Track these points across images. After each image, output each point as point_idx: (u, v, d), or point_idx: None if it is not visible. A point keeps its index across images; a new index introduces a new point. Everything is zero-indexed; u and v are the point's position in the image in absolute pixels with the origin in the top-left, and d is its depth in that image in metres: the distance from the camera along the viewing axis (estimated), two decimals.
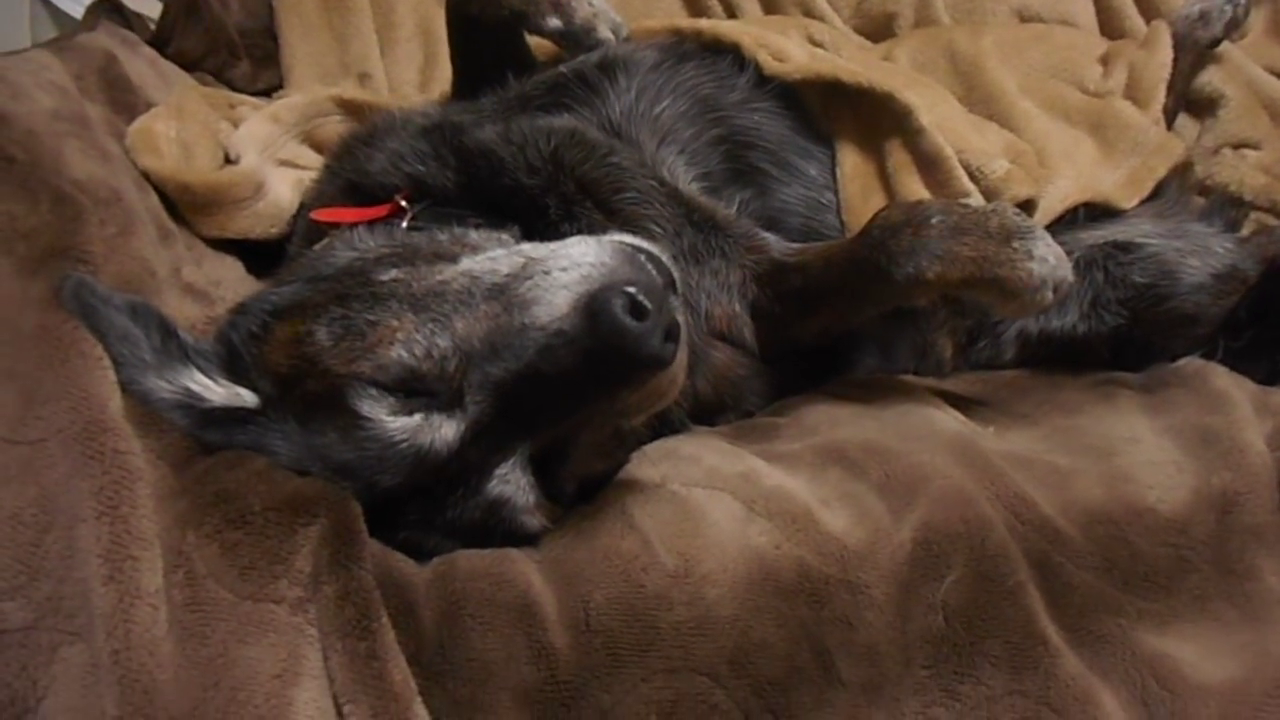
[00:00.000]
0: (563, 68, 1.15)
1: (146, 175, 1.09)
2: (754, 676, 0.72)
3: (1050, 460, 0.93)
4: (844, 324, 1.07)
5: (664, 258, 0.76)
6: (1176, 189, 1.35)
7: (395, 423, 0.75)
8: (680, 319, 0.72)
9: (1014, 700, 0.74)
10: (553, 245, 0.78)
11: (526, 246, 0.81)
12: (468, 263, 0.82)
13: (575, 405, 0.75)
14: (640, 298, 0.69)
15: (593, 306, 0.70)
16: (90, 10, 1.48)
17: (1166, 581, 0.82)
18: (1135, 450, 0.96)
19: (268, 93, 1.54)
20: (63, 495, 0.68)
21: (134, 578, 0.66)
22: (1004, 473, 0.87)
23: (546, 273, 0.74)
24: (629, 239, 0.77)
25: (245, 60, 1.59)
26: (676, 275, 0.76)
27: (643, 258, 0.74)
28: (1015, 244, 0.91)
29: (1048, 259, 0.92)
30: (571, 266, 0.74)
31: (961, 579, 0.78)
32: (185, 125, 1.19)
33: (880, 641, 0.75)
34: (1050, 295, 0.93)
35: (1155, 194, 1.31)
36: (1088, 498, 0.88)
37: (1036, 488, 0.87)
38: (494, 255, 0.81)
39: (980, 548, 0.79)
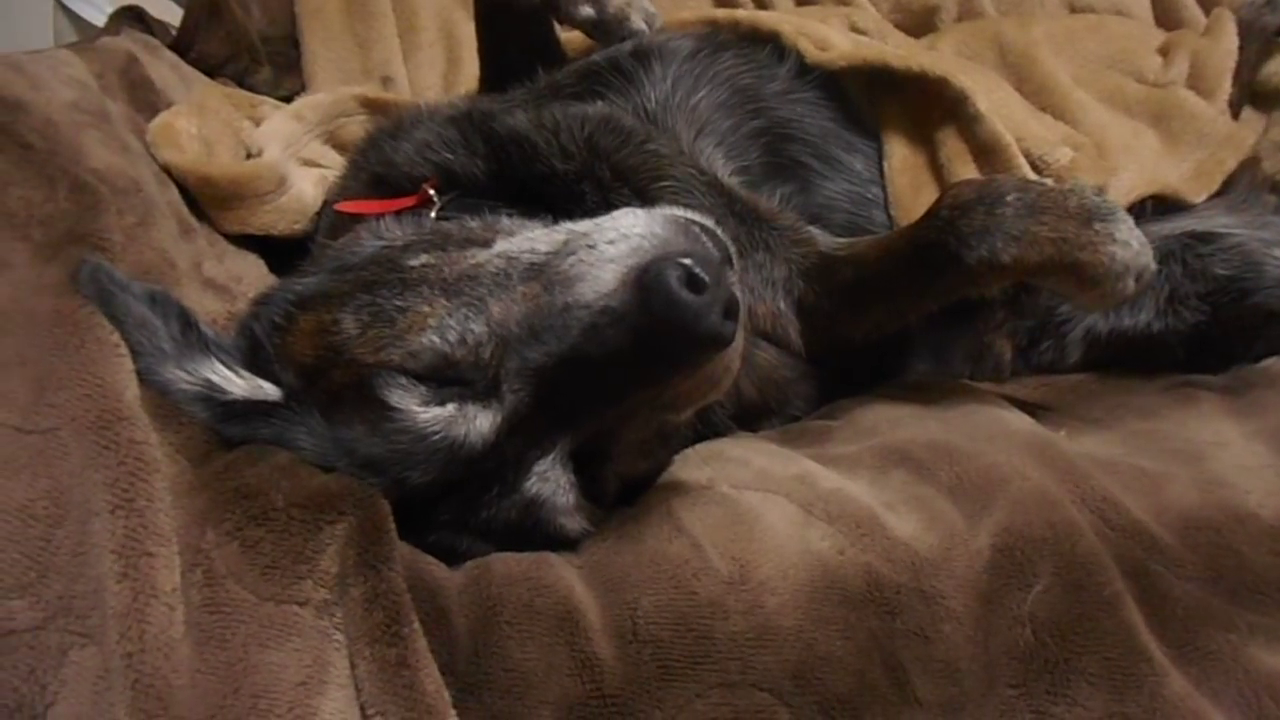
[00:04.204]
0: (595, 56, 1.14)
1: (167, 170, 1.09)
2: (821, 693, 0.68)
3: (1135, 463, 0.89)
4: (899, 321, 1.03)
5: (719, 231, 0.73)
6: (1247, 184, 1.31)
7: (426, 414, 0.73)
8: (739, 295, 0.69)
9: None
10: (598, 219, 0.76)
11: (568, 223, 0.79)
12: (503, 244, 0.79)
13: (622, 393, 0.71)
14: (697, 270, 0.66)
15: (644, 280, 0.67)
16: (113, 18, 1.51)
17: (1278, 593, 0.76)
18: (1225, 454, 0.91)
19: (290, 99, 1.55)
20: (75, 488, 0.66)
21: (149, 575, 0.63)
22: (1089, 474, 0.83)
23: (592, 247, 0.72)
24: (680, 211, 0.74)
25: (267, 66, 1.61)
26: (733, 250, 0.73)
27: (697, 229, 0.72)
28: (1097, 226, 0.88)
29: (1131, 243, 0.88)
30: (620, 239, 0.71)
31: (1050, 589, 0.73)
32: (207, 122, 1.20)
33: (960, 657, 0.70)
34: (1132, 285, 0.89)
35: (1224, 189, 1.27)
36: (1183, 502, 0.83)
37: (1125, 491, 0.83)
38: (532, 235, 0.79)
39: (1070, 554, 0.75)
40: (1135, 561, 0.77)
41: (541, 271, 0.74)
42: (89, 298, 0.76)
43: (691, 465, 0.87)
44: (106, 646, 0.61)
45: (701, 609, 0.69)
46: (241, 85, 1.54)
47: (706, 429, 0.96)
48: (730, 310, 0.68)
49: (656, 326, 0.67)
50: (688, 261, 0.66)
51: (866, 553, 0.74)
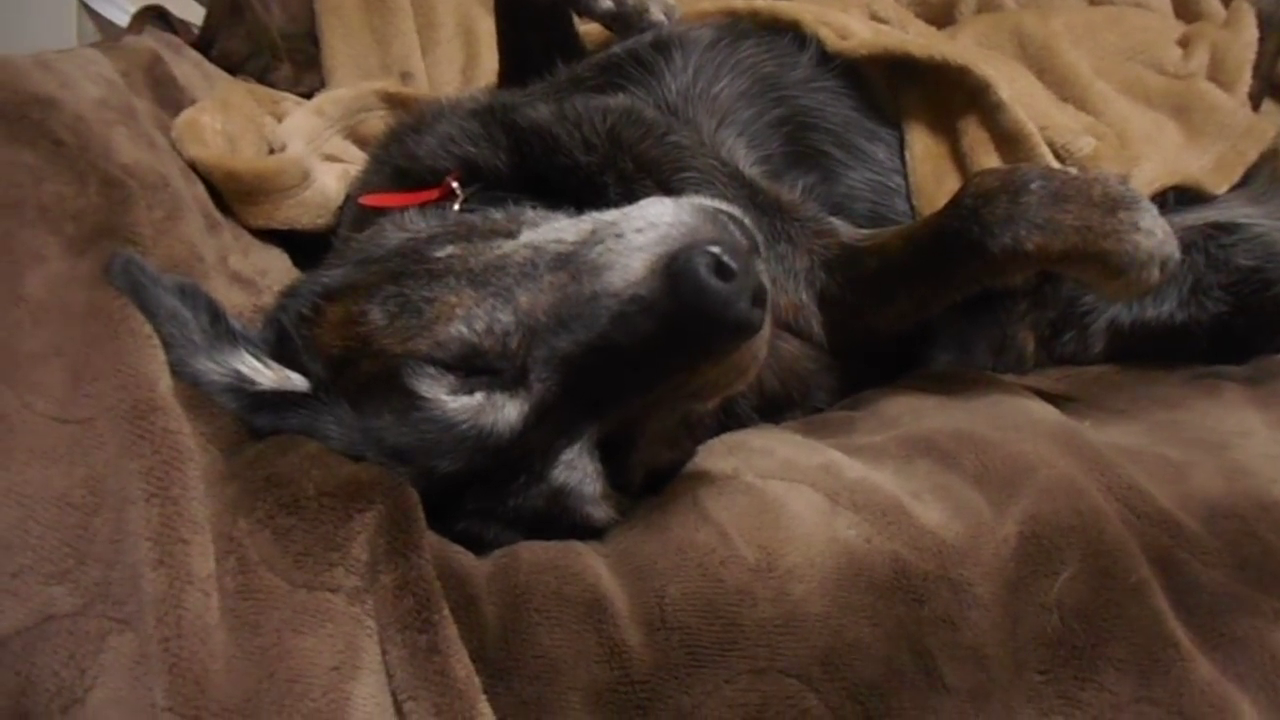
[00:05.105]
0: (615, 48, 1.14)
1: (193, 166, 1.10)
2: (849, 679, 0.67)
3: (1160, 453, 0.88)
4: (923, 312, 1.03)
5: (746, 220, 0.73)
6: (1268, 176, 1.30)
7: (455, 403, 0.73)
8: (767, 283, 0.69)
9: (1143, 708, 0.68)
10: (625, 209, 0.76)
11: (594, 213, 0.79)
12: (530, 235, 0.80)
13: (650, 381, 0.71)
14: (725, 258, 0.66)
15: (673, 267, 0.67)
16: (136, 17, 1.53)
17: None
18: (1249, 444, 0.91)
19: (310, 95, 1.56)
20: (112, 476, 0.67)
21: (185, 562, 0.64)
22: (1115, 463, 0.82)
23: (619, 235, 0.72)
24: (707, 200, 0.74)
25: (287, 63, 1.62)
26: (759, 239, 0.73)
27: (725, 218, 0.72)
28: (1121, 214, 0.87)
29: (1155, 232, 0.87)
30: (648, 227, 0.71)
31: (1077, 576, 0.73)
32: (230, 118, 1.21)
33: (987, 643, 0.70)
34: (1156, 274, 0.89)
35: (1245, 181, 1.25)
36: (1207, 490, 0.82)
37: (1150, 480, 0.82)
38: (559, 225, 0.79)
39: (1097, 541, 0.74)
40: (1161, 549, 0.76)
41: (569, 261, 0.74)
42: (121, 290, 0.77)
43: (716, 455, 0.87)
44: (144, 632, 0.61)
45: (729, 596, 0.69)
46: (262, 82, 1.55)
47: (730, 420, 0.96)
48: (759, 298, 0.68)
49: (685, 314, 0.67)
50: (716, 249, 0.66)
51: (893, 541, 0.74)
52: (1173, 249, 0.90)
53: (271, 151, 1.23)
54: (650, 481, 0.83)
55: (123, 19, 1.74)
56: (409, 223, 0.93)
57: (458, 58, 1.63)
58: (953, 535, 0.74)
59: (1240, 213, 1.18)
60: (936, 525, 0.75)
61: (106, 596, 0.62)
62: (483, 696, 0.64)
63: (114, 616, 0.62)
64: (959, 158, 1.13)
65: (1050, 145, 1.11)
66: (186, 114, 1.16)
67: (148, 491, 0.66)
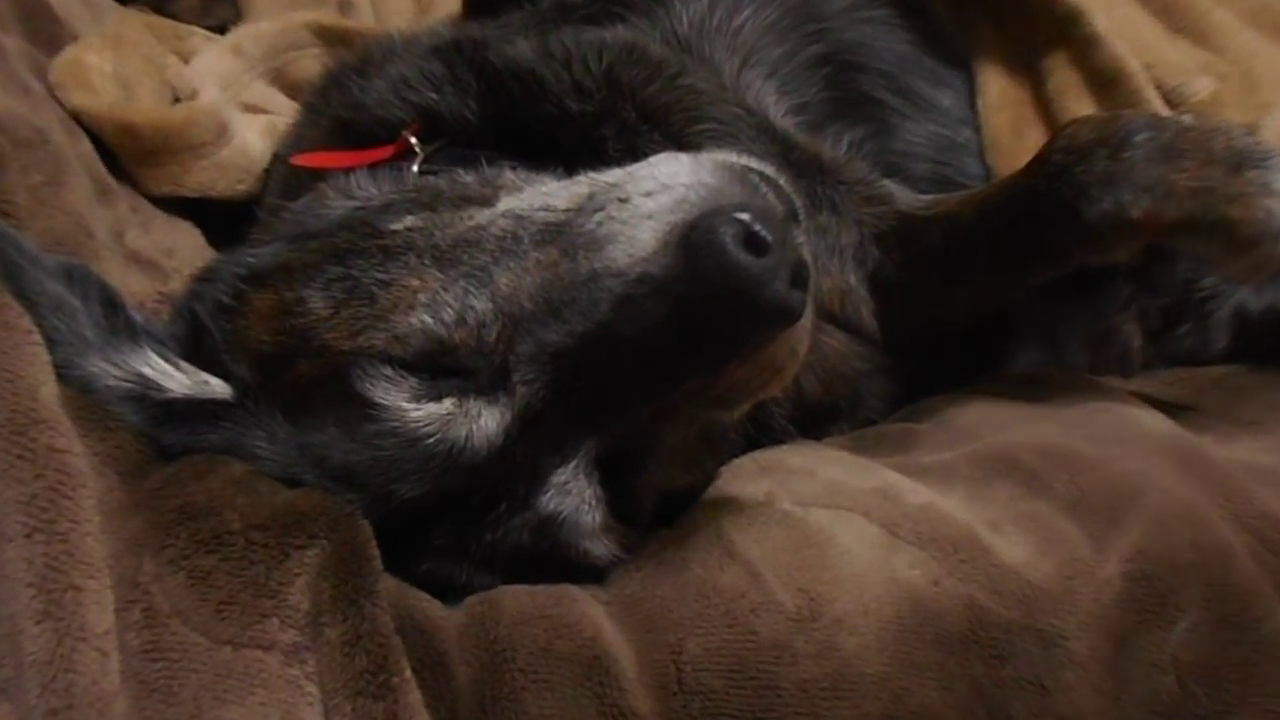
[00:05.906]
0: None
1: (77, 117, 1.11)
2: None
3: None
4: (999, 298, 1.05)
5: (781, 180, 0.75)
6: None
7: (418, 411, 0.74)
8: (809, 258, 0.71)
9: None
10: (630, 168, 0.77)
11: (590, 174, 0.80)
12: (510, 201, 0.81)
13: (662, 383, 0.73)
14: (757, 227, 0.67)
15: (692, 239, 0.68)
16: None
17: None
18: None
19: (222, 30, 1.58)
20: None
21: (77, 614, 0.65)
22: (1242, 485, 0.84)
23: (624, 200, 0.73)
24: (734, 157, 0.76)
25: None
26: (798, 203, 0.74)
27: (755, 178, 0.73)
28: (1249, 174, 0.89)
29: None
30: (659, 190, 0.72)
31: (1199, 626, 0.74)
32: (124, 59, 1.23)
33: (1087, 712, 0.72)
34: None
35: None
36: None
37: None
38: (546, 189, 0.81)
39: (1221, 583, 0.76)
40: None
41: (560, 233, 0.75)
42: None
43: (744, 478, 0.88)
44: (24, 702, 0.62)
45: (763, 652, 0.71)
46: (162, 13, 1.57)
47: (760, 434, 0.98)
48: (799, 277, 0.69)
49: (707, 297, 0.68)
50: (745, 217, 0.67)
51: (967, 583, 0.75)
52: None
53: (177, 100, 1.24)
54: (663, 510, 0.84)
55: None
56: (356, 187, 0.95)
57: None
58: (1041, 576, 0.76)
59: None
60: (1021, 564, 0.77)
61: None
62: None
63: None
64: (1044, 104, 1.15)
65: (1158, 87, 1.13)
66: (68, 53, 1.18)
67: (28, 526, 0.67)
